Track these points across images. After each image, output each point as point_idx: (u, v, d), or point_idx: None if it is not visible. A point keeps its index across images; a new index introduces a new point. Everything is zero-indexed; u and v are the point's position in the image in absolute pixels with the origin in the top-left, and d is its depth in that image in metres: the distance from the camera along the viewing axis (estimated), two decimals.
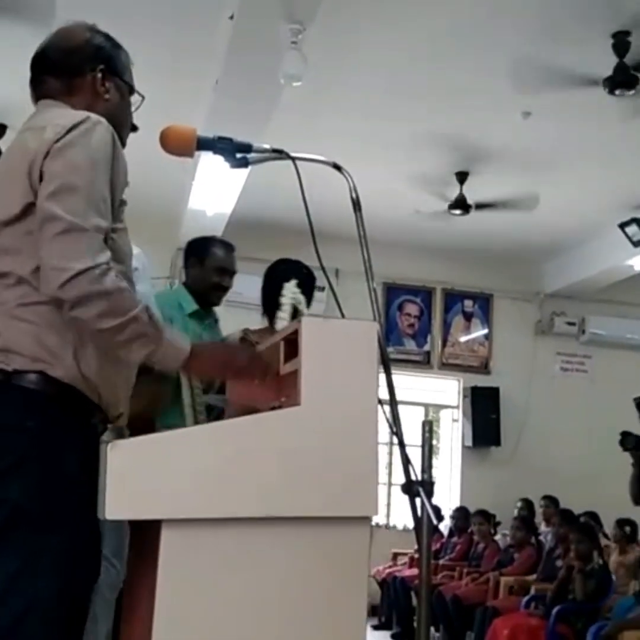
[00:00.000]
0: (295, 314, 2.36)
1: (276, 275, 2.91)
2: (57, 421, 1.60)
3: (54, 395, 1.60)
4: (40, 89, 1.87)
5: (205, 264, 3.31)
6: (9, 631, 1.52)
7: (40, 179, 1.62)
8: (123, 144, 1.81)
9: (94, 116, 1.71)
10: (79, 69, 1.85)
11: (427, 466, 1.73)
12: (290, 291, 2.40)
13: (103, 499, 1.47)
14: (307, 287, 2.77)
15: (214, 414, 2.69)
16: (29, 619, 1.53)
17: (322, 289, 6.72)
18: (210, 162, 5.34)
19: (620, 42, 4.52)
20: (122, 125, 1.89)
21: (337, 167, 1.85)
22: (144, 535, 1.66)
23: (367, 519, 1.60)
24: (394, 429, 1.72)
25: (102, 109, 1.82)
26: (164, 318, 3.02)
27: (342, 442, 1.57)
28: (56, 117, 1.72)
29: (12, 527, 1.54)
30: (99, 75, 1.85)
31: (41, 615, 1.54)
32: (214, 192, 6.27)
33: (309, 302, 2.70)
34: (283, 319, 2.39)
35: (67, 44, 1.86)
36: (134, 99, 1.94)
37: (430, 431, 1.79)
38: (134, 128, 1.95)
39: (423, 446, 1.76)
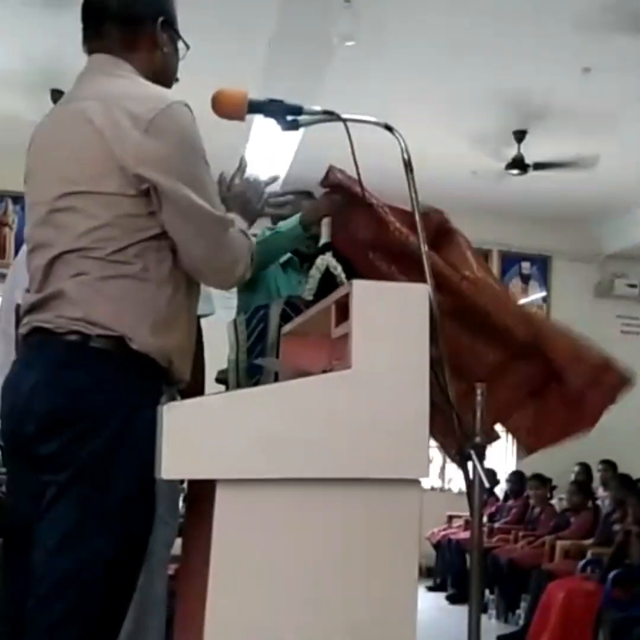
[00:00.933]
0: (331, 281, 2.36)
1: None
2: (132, 384, 1.65)
3: (130, 359, 1.65)
4: (96, 39, 1.81)
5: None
6: (68, 577, 1.60)
7: (136, 162, 1.63)
8: None
9: (175, 97, 1.71)
10: (140, 19, 1.80)
11: (479, 430, 1.73)
12: (320, 262, 2.41)
13: (159, 459, 1.50)
14: None
15: (259, 376, 2.68)
16: (88, 567, 1.60)
17: None
18: (263, 126, 5.33)
19: None
20: (172, 78, 1.89)
21: (389, 128, 1.83)
22: (200, 496, 1.70)
23: (417, 481, 1.61)
24: (447, 393, 1.71)
25: (160, 63, 1.82)
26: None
27: (393, 405, 1.57)
28: (132, 92, 1.70)
29: (74, 485, 1.60)
30: (159, 27, 1.81)
31: (99, 565, 1.61)
32: (268, 156, 6.26)
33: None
34: (311, 290, 2.41)
35: None
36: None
37: (483, 394, 1.77)
38: (176, 79, 1.92)
39: (475, 410, 1.76)
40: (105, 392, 1.63)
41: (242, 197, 1.93)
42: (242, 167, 2.00)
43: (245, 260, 1.78)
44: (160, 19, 1.81)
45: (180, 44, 1.90)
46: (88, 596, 1.60)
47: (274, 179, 2.06)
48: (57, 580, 1.60)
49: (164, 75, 1.84)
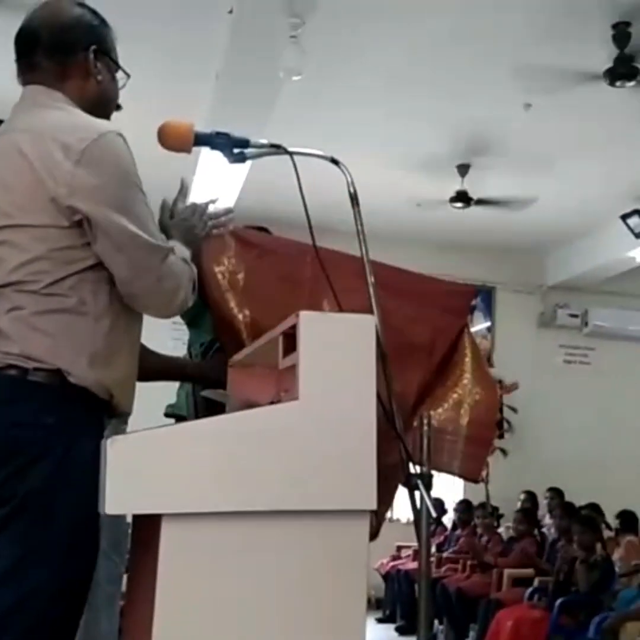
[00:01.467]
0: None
1: None
2: (71, 417, 1.63)
3: (69, 393, 1.63)
4: (29, 71, 1.79)
5: None
6: (13, 611, 1.57)
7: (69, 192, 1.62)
8: None
9: (109, 127, 1.71)
10: (73, 48, 1.78)
11: (425, 459, 1.74)
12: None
13: (103, 493, 1.48)
14: None
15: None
16: (27, 606, 1.57)
17: None
18: (210, 159, 5.35)
19: (621, 33, 4.51)
20: (110, 106, 1.87)
21: (335, 162, 1.85)
22: (145, 530, 1.68)
23: (366, 512, 1.61)
24: (393, 423, 1.72)
25: (94, 92, 1.80)
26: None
27: (341, 436, 1.58)
28: (64, 123, 1.69)
29: (16, 519, 1.58)
30: (91, 55, 1.79)
31: (39, 604, 1.58)
32: (215, 188, 6.26)
33: None
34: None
35: (59, 20, 1.79)
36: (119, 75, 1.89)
37: (429, 424, 1.79)
38: (118, 107, 1.91)
39: (422, 439, 1.77)
40: (43, 426, 1.60)
41: (186, 223, 1.92)
42: (183, 190, 1.99)
43: (185, 288, 1.76)
44: (93, 47, 1.79)
45: (121, 73, 1.89)
46: (31, 631, 1.58)
47: (213, 201, 2.03)
48: (1, 616, 1.57)
49: (100, 104, 1.83)
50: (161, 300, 1.73)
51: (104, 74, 1.83)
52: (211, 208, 1.99)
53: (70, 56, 1.78)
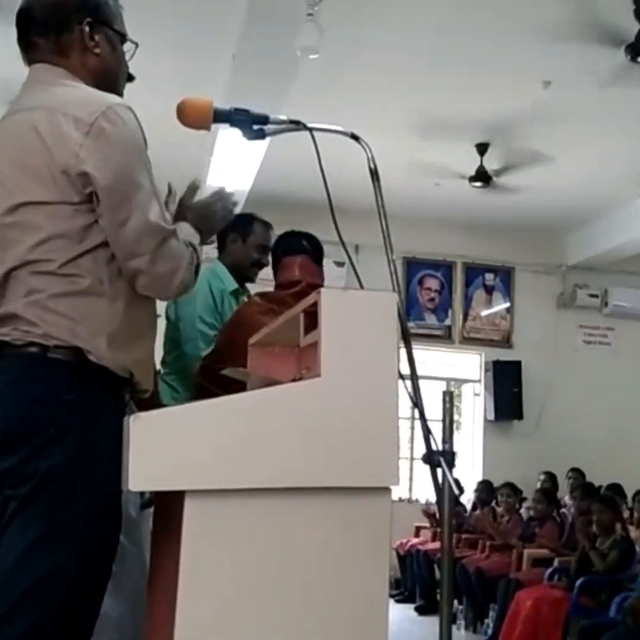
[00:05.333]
0: None
1: (283, 251, 2.88)
2: (92, 394, 1.64)
3: (89, 370, 1.64)
4: (30, 50, 1.80)
5: (248, 241, 3.29)
6: (29, 595, 1.56)
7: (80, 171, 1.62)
8: (120, 96, 1.80)
9: (117, 100, 1.70)
10: (65, 24, 1.77)
11: (448, 436, 1.73)
12: None
13: (126, 470, 1.48)
14: (318, 259, 2.75)
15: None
16: (49, 585, 1.57)
17: (342, 264, 6.71)
18: (228, 138, 5.33)
19: None
20: (117, 78, 1.86)
21: (355, 137, 1.83)
22: (168, 507, 1.68)
23: (388, 489, 1.60)
24: (415, 401, 1.71)
25: (95, 65, 1.80)
26: (218, 294, 3.13)
27: (363, 413, 1.57)
28: (72, 98, 1.69)
29: (38, 496, 1.58)
30: (87, 28, 1.78)
31: (61, 583, 1.58)
32: (232, 169, 6.25)
33: (322, 271, 2.72)
34: None
35: None
36: (128, 46, 1.87)
37: (451, 401, 1.78)
38: (131, 78, 1.90)
39: (444, 416, 1.76)
40: (64, 403, 1.60)
41: (208, 208, 1.91)
42: (172, 193, 1.96)
43: (184, 271, 1.71)
44: (87, 20, 1.78)
45: (129, 43, 1.87)
46: (50, 615, 1.57)
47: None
48: (17, 599, 1.56)
49: (105, 77, 1.81)
50: (158, 279, 1.70)
51: (104, 46, 1.81)
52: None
53: (65, 32, 1.78)
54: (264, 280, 3.17)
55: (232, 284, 3.24)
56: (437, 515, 5.96)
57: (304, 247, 2.72)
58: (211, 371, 2.65)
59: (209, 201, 1.92)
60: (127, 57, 1.88)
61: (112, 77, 1.84)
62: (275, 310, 2.42)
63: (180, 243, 1.73)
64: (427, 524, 7.49)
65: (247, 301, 2.96)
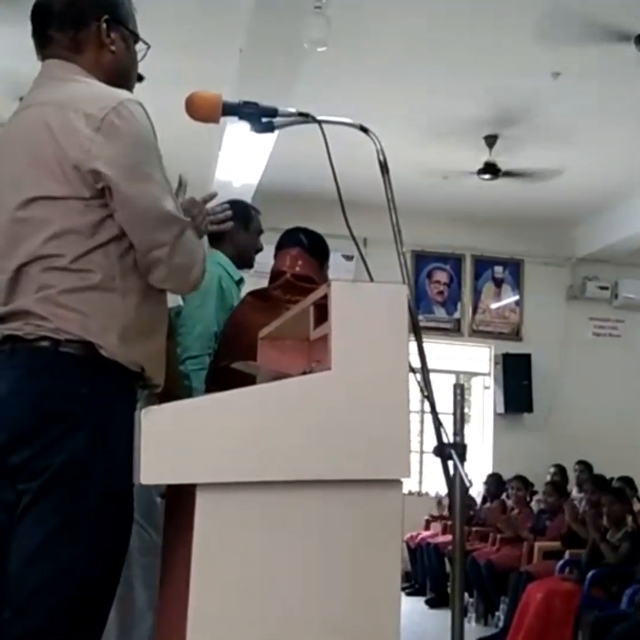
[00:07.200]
0: None
1: (279, 245, 2.86)
2: (105, 389, 1.64)
3: (102, 365, 1.64)
4: (45, 45, 1.81)
5: (251, 228, 3.26)
6: (43, 588, 1.57)
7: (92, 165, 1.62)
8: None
9: (128, 96, 1.70)
10: (83, 20, 1.79)
11: (459, 429, 1.72)
12: None
13: (138, 463, 1.48)
14: (315, 253, 2.74)
15: None
16: (63, 578, 1.58)
17: (350, 257, 6.67)
18: (236, 132, 5.32)
19: None
20: (130, 77, 1.87)
21: (364, 129, 1.82)
22: (179, 501, 1.69)
23: (399, 481, 1.60)
24: (425, 393, 1.71)
25: (109, 63, 1.81)
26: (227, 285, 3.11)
27: (373, 406, 1.57)
28: (84, 94, 1.70)
29: (51, 490, 1.58)
30: (104, 25, 1.79)
31: (74, 575, 1.59)
32: (240, 163, 6.25)
33: (321, 267, 2.71)
34: None
35: None
36: (139, 46, 1.89)
37: (462, 394, 1.77)
38: (140, 78, 1.91)
39: (455, 409, 1.75)
40: (76, 396, 1.61)
41: (187, 214, 1.88)
42: (182, 185, 1.97)
43: (200, 266, 1.75)
44: (105, 17, 1.79)
45: (141, 44, 1.88)
46: (65, 607, 1.58)
47: (212, 196, 2.04)
48: (32, 592, 1.57)
49: (117, 75, 1.83)
50: (177, 272, 1.72)
51: (119, 44, 1.83)
52: (209, 205, 1.98)
53: (82, 28, 1.79)
54: (259, 273, 3.17)
55: (237, 274, 3.22)
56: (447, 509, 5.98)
57: (299, 240, 2.71)
58: (215, 370, 2.67)
59: (185, 208, 1.88)
60: (138, 57, 1.89)
61: (125, 75, 1.85)
62: (265, 306, 2.45)
63: (195, 236, 1.75)
64: (437, 514, 7.50)
65: (241, 300, 2.94)
